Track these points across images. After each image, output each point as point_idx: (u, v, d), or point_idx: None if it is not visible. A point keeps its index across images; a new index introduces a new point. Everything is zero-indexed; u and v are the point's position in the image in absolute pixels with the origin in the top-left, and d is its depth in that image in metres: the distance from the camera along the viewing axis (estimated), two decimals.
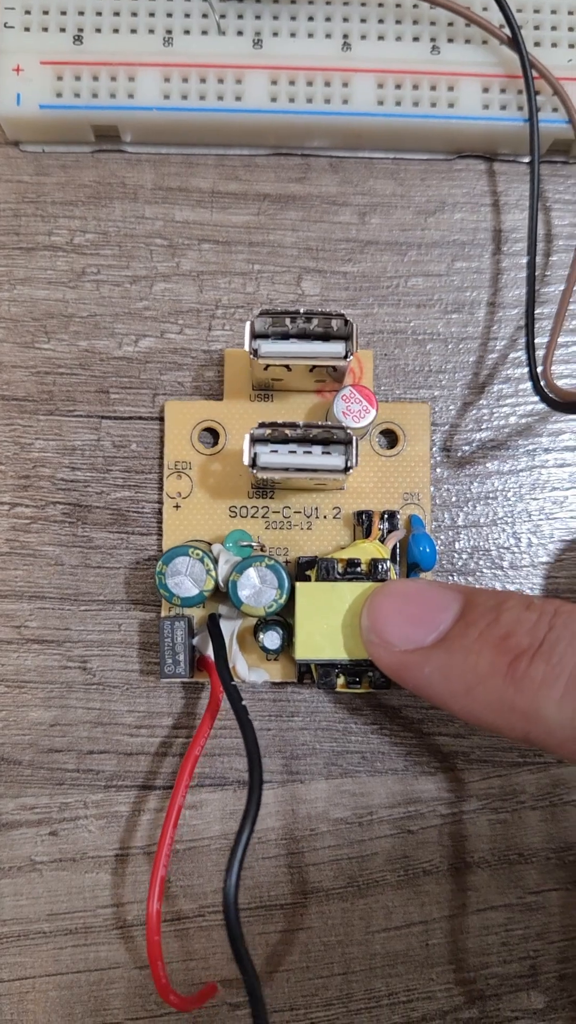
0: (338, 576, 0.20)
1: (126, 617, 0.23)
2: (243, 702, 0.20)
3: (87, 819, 0.22)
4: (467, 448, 0.23)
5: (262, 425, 0.20)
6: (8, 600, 0.23)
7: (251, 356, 0.20)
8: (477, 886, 0.23)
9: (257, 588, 0.20)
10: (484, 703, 0.17)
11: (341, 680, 0.20)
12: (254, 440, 0.20)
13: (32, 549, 0.23)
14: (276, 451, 0.20)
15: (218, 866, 0.22)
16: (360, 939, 0.22)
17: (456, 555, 0.23)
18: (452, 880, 0.23)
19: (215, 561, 0.21)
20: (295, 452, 0.20)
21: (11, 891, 0.22)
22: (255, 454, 0.20)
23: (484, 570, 0.23)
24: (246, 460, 0.20)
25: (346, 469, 0.20)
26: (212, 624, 0.21)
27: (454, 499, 0.23)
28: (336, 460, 0.20)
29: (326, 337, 0.20)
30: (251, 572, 0.20)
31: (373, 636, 0.19)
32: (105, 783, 0.23)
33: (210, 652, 0.21)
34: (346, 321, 0.20)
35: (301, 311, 0.20)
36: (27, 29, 0.23)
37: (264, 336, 0.20)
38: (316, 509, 0.22)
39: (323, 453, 0.20)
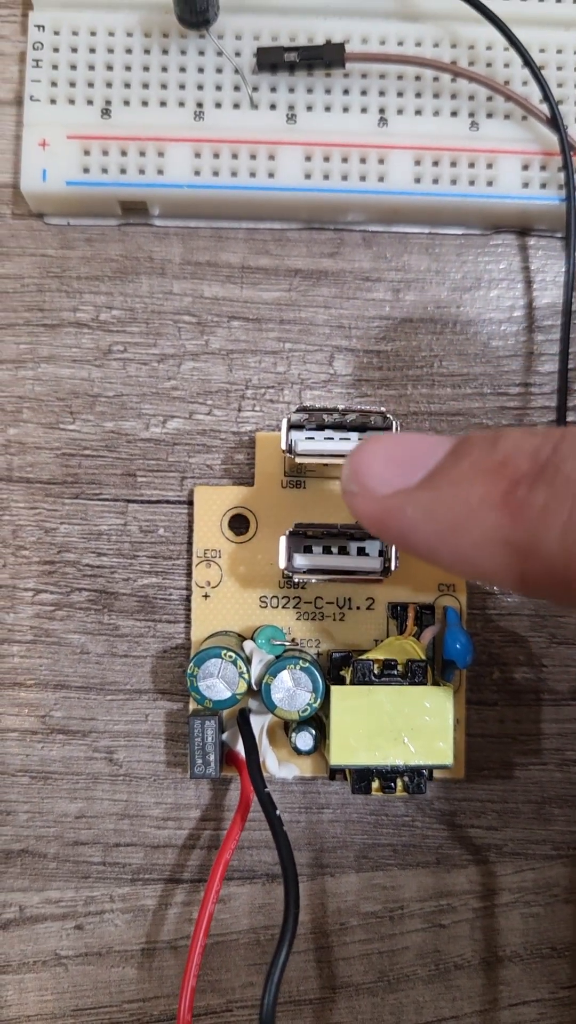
0: (374, 678, 0.20)
1: (153, 707, 0.22)
2: (277, 811, 0.19)
3: (113, 913, 0.22)
4: None
5: (299, 526, 0.19)
6: (33, 689, 0.22)
7: (287, 453, 0.20)
8: (509, 980, 0.22)
9: (291, 691, 0.20)
10: (473, 540, 0.14)
11: (376, 784, 0.20)
12: (291, 542, 0.20)
13: (57, 637, 0.22)
14: (311, 551, 0.20)
15: (246, 960, 0.22)
16: None
17: (492, 646, 0.23)
18: (484, 974, 0.22)
19: (248, 662, 0.20)
20: (331, 552, 0.20)
21: (36, 986, 0.22)
22: (292, 557, 0.20)
23: (521, 660, 0.23)
24: (282, 563, 0.19)
25: (384, 571, 0.20)
26: (243, 723, 0.21)
27: (491, 588, 0.23)
28: (373, 563, 0.20)
29: (363, 428, 0.20)
30: (284, 675, 0.20)
31: (353, 485, 0.16)
32: (132, 876, 0.22)
33: (239, 748, 0.21)
34: (384, 417, 0.19)
35: (340, 407, 0.19)
36: (53, 102, 0.22)
37: (300, 427, 0.20)
38: (349, 600, 0.22)
39: (360, 553, 0.20)
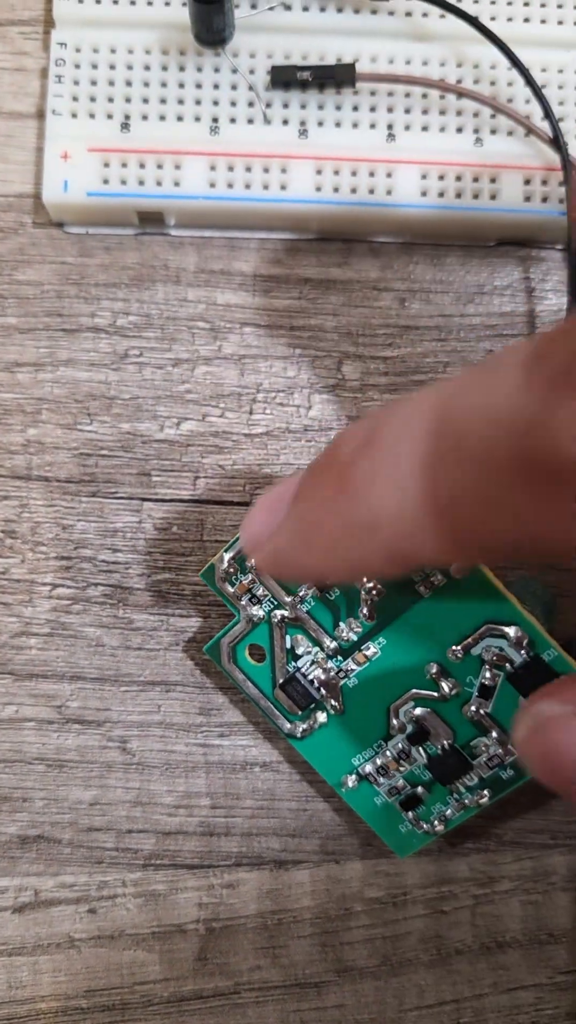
0: None
1: (166, 698, 0.23)
2: None
3: (125, 897, 0.23)
4: None
5: None
6: (49, 680, 0.23)
7: None
8: (508, 965, 0.23)
9: None
10: (325, 547, 0.14)
11: None
12: None
13: (73, 630, 0.23)
14: None
15: (254, 944, 0.23)
16: (393, 1017, 0.23)
17: None
18: (483, 959, 0.23)
19: None
20: None
21: (49, 967, 0.23)
22: None
23: None
24: None
25: None
26: None
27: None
28: None
29: None
30: None
31: (247, 548, 0.16)
32: (143, 862, 0.23)
33: None
34: None
35: None
36: (75, 116, 0.23)
37: None
38: None
39: None
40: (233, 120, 0.23)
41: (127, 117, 0.23)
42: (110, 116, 0.23)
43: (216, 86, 0.23)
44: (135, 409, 0.24)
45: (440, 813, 0.21)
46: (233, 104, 0.23)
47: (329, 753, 0.21)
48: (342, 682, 0.21)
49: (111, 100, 0.23)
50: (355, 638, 0.20)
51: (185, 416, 0.24)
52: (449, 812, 0.21)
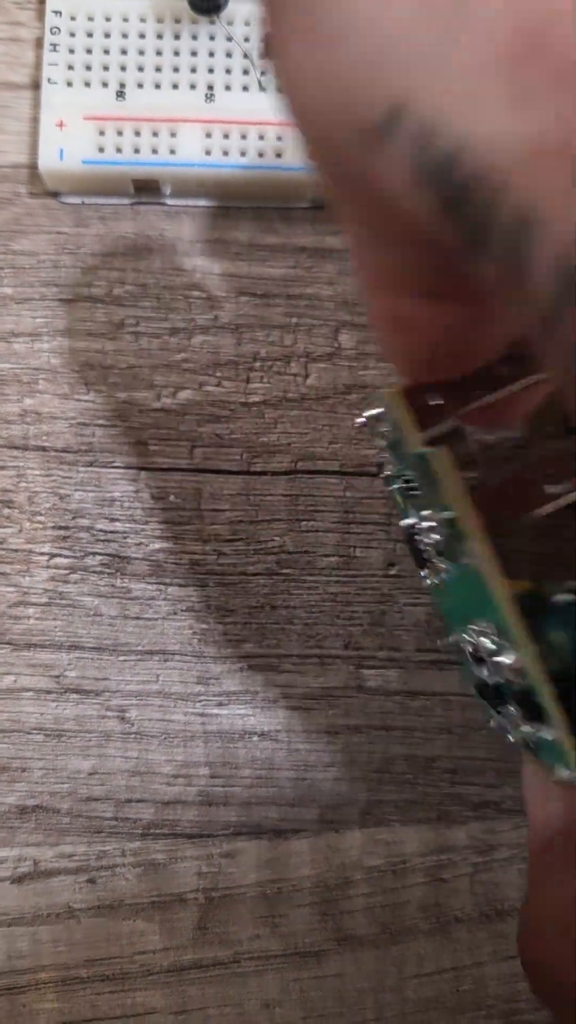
0: None
1: (164, 668, 0.23)
2: None
3: (124, 867, 0.23)
4: None
5: None
6: (47, 650, 0.23)
7: None
8: (507, 933, 0.23)
9: None
10: None
11: None
12: None
13: (71, 599, 0.23)
14: None
15: (253, 914, 0.23)
16: (393, 985, 0.23)
17: None
18: (483, 927, 0.23)
19: None
20: None
21: (49, 937, 0.23)
22: None
23: None
24: None
25: None
26: None
27: None
28: None
29: None
30: None
31: None
32: (142, 832, 0.23)
33: None
34: None
35: None
36: (70, 84, 0.23)
37: None
38: None
39: None
40: (228, 88, 0.23)
41: (122, 85, 0.23)
42: (105, 84, 0.23)
43: (211, 54, 0.23)
44: (132, 378, 0.23)
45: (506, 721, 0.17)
46: (228, 72, 0.23)
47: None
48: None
49: (106, 68, 0.23)
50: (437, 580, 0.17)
51: (182, 385, 0.24)
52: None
